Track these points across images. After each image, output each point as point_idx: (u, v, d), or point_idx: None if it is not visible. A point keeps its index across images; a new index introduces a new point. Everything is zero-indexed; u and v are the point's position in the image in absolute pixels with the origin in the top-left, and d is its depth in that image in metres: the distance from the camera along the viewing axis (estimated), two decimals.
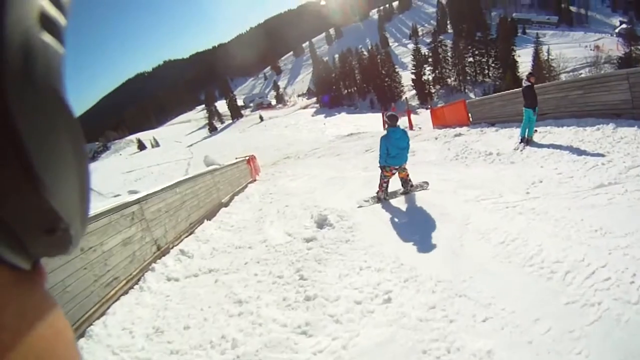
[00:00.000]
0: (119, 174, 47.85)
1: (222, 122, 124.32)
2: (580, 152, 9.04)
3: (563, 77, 71.50)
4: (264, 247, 7.49)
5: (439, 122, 22.59)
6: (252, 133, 73.87)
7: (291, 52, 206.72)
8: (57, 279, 4.69)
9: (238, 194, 14.84)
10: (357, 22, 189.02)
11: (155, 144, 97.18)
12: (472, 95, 78.98)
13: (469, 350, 3.48)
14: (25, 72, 0.30)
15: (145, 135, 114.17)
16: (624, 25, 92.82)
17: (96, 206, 6.34)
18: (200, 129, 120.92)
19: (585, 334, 3.40)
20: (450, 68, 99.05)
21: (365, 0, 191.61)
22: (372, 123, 46.32)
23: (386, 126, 8.95)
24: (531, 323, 3.67)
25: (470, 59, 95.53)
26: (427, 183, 9.27)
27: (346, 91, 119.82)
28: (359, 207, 8.90)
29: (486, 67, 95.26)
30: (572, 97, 12.08)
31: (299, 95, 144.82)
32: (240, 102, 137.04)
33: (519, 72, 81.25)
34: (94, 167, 64.34)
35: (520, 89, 11.64)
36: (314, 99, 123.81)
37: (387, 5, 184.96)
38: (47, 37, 0.32)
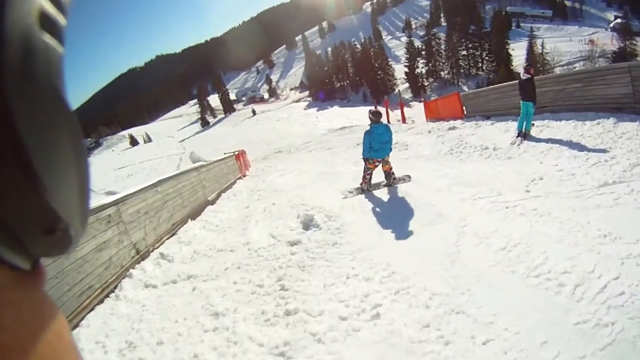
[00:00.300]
0: (111, 170, 47.41)
1: (215, 117, 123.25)
2: (581, 147, 8.69)
3: (557, 70, 71.23)
4: (246, 251, 7.04)
5: (433, 115, 22.33)
6: (244, 127, 73.51)
7: (284, 46, 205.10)
8: None
9: (226, 191, 14.47)
10: (351, 15, 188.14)
11: (148, 140, 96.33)
12: (465, 88, 78.68)
13: None
14: (25, 71, 0.29)
15: (138, 131, 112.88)
16: (618, 20, 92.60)
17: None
18: (192, 123, 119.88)
19: None
20: (443, 61, 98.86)
21: None
22: (365, 116, 45.70)
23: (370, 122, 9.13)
24: (538, 347, 3.23)
25: (464, 52, 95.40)
26: (409, 176, 9.55)
27: (339, 84, 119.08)
28: (344, 197, 9.20)
29: (480, 61, 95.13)
30: (570, 90, 11.69)
31: (291, 89, 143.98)
32: (232, 96, 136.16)
33: (512, 66, 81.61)
34: None
35: (518, 81, 11.22)
36: (307, 93, 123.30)
37: None
38: (47, 37, 0.32)
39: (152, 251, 7.84)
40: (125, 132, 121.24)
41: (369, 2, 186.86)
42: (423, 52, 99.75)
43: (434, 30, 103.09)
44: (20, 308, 0.34)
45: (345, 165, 14.19)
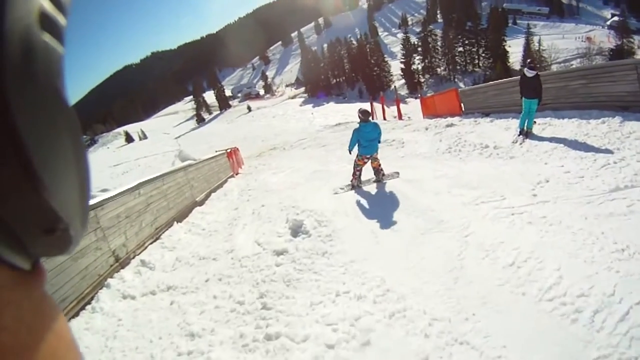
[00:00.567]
0: (106, 168, 47.37)
1: (210, 113, 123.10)
2: (587, 147, 8.18)
3: (554, 67, 71.12)
4: (230, 260, 6.56)
5: (430, 111, 21.88)
6: (240, 124, 73.42)
7: (280, 42, 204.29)
8: None
9: (216, 191, 14.07)
10: (347, 11, 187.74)
11: (143, 137, 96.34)
12: (461, 84, 78.68)
13: None
14: (26, 70, 0.30)
15: (133, 128, 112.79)
16: (615, 18, 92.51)
17: None
18: (188, 120, 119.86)
19: None
20: (440, 57, 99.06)
21: None
22: None
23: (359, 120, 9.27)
24: None
25: (460, 49, 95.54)
26: (397, 173, 9.68)
27: (335, 81, 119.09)
28: (334, 193, 9.46)
29: (476, 57, 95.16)
30: (573, 86, 11.14)
31: (287, 85, 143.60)
32: (228, 93, 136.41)
33: (509, 63, 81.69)
34: None
35: (520, 77, 10.65)
36: (302, 89, 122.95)
37: None
38: (47, 37, 0.32)
39: (133, 258, 7.43)
40: (121, 129, 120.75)
41: None
42: (419, 49, 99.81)
43: (430, 26, 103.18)
44: (20, 308, 0.34)
45: (340, 163, 13.70)
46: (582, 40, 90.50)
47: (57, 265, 5.13)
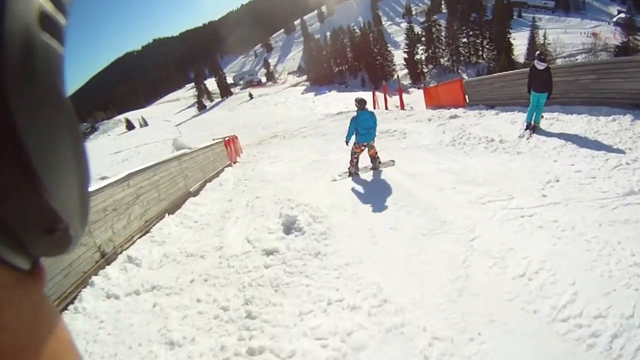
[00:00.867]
0: (106, 155, 47.29)
1: (212, 101, 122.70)
2: (597, 145, 7.82)
3: (559, 61, 70.61)
4: (217, 259, 6.22)
5: (433, 102, 21.48)
6: (241, 111, 73.36)
7: (282, 30, 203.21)
8: None
9: (211, 180, 13.72)
10: (350, 0, 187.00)
11: (144, 124, 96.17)
12: (465, 76, 78.15)
13: None
14: (26, 70, 0.30)
15: (134, 115, 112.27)
16: (622, 15, 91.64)
17: None
18: (189, 107, 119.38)
19: None
20: (443, 48, 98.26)
21: None
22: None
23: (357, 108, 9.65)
24: None
25: (464, 40, 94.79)
26: (393, 161, 9.95)
27: (337, 69, 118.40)
28: (332, 180, 9.71)
29: (480, 49, 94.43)
30: (584, 81, 10.71)
31: (289, 73, 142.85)
32: (230, 80, 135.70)
33: (513, 55, 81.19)
34: None
35: (529, 70, 10.17)
36: (304, 77, 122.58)
37: None
38: (47, 36, 0.32)
39: (120, 253, 7.13)
40: (122, 117, 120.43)
41: None
42: (423, 39, 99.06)
43: (434, 16, 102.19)
44: (20, 308, 0.33)
45: (339, 153, 13.22)
46: (587, 36, 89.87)
47: None
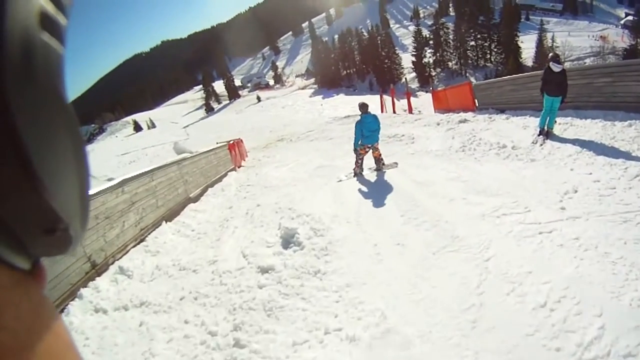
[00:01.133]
0: (113, 156, 48.38)
1: (220, 103, 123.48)
2: (615, 152, 7.38)
3: (567, 65, 70.31)
4: (210, 274, 5.84)
5: (441, 106, 21.18)
6: (249, 114, 73.90)
7: (290, 32, 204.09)
8: None
9: (213, 185, 13.42)
10: (358, 2, 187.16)
11: (152, 125, 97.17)
12: (473, 79, 77.75)
13: None
14: (26, 71, 0.30)
15: (142, 117, 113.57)
16: (629, 17, 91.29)
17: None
18: (197, 109, 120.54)
19: None
20: (451, 51, 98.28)
21: None
22: (370, 105, 45.33)
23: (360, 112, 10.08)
24: None
25: (472, 43, 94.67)
26: (396, 163, 10.33)
27: (345, 72, 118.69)
28: (338, 181, 10.15)
29: (488, 52, 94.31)
30: (598, 84, 10.24)
31: (297, 76, 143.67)
32: (238, 83, 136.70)
33: (521, 58, 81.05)
34: (89, 149, 65.08)
35: (543, 72, 9.69)
36: (312, 80, 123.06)
37: None
38: (47, 37, 0.32)
39: (112, 263, 6.83)
40: (129, 118, 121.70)
41: None
42: (431, 42, 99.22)
43: (442, 19, 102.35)
44: (20, 308, 0.33)
45: (345, 158, 12.91)
46: (595, 39, 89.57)
47: None
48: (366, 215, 7.00)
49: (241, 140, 21.10)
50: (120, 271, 6.46)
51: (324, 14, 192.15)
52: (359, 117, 10.06)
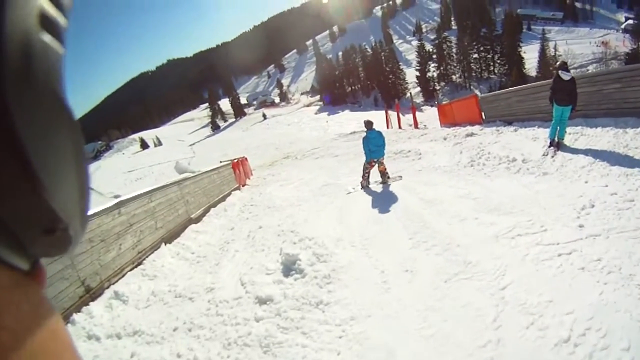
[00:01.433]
0: (120, 174, 48.49)
1: (225, 121, 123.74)
2: (630, 162, 7.04)
3: (572, 72, 70.30)
4: (206, 304, 5.53)
5: (447, 120, 20.96)
6: (255, 132, 74.13)
7: (294, 50, 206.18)
8: None
9: (216, 205, 13.18)
10: (361, 19, 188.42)
11: (158, 143, 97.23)
12: (477, 92, 77.87)
13: None
14: (25, 72, 0.30)
15: (148, 134, 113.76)
16: (630, 21, 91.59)
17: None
18: (203, 127, 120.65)
19: None
20: (455, 64, 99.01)
21: None
22: (376, 121, 45.31)
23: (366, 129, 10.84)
24: None
25: (475, 55, 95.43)
26: (400, 177, 10.96)
27: (350, 88, 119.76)
28: (347, 193, 10.71)
29: (492, 64, 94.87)
30: (608, 91, 9.91)
31: (302, 93, 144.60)
32: (243, 101, 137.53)
33: (525, 69, 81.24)
34: (96, 166, 65.14)
35: (553, 81, 9.40)
36: (318, 97, 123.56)
37: (391, 2, 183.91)
38: (47, 37, 0.32)
39: (107, 287, 6.61)
40: (136, 136, 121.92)
41: (379, 6, 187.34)
42: (434, 56, 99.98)
43: (444, 33, 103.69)
44: (20, 309, 0.34)
45: (352, 175, 12.88)
46: (597, 45, 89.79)
47: None
48: (372, 238, 6.64)
49: (245, 159, 20.99)
50: (115, 296, 6.26)
51: (327, 32, 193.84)
52: (364, 134, 10.80)
